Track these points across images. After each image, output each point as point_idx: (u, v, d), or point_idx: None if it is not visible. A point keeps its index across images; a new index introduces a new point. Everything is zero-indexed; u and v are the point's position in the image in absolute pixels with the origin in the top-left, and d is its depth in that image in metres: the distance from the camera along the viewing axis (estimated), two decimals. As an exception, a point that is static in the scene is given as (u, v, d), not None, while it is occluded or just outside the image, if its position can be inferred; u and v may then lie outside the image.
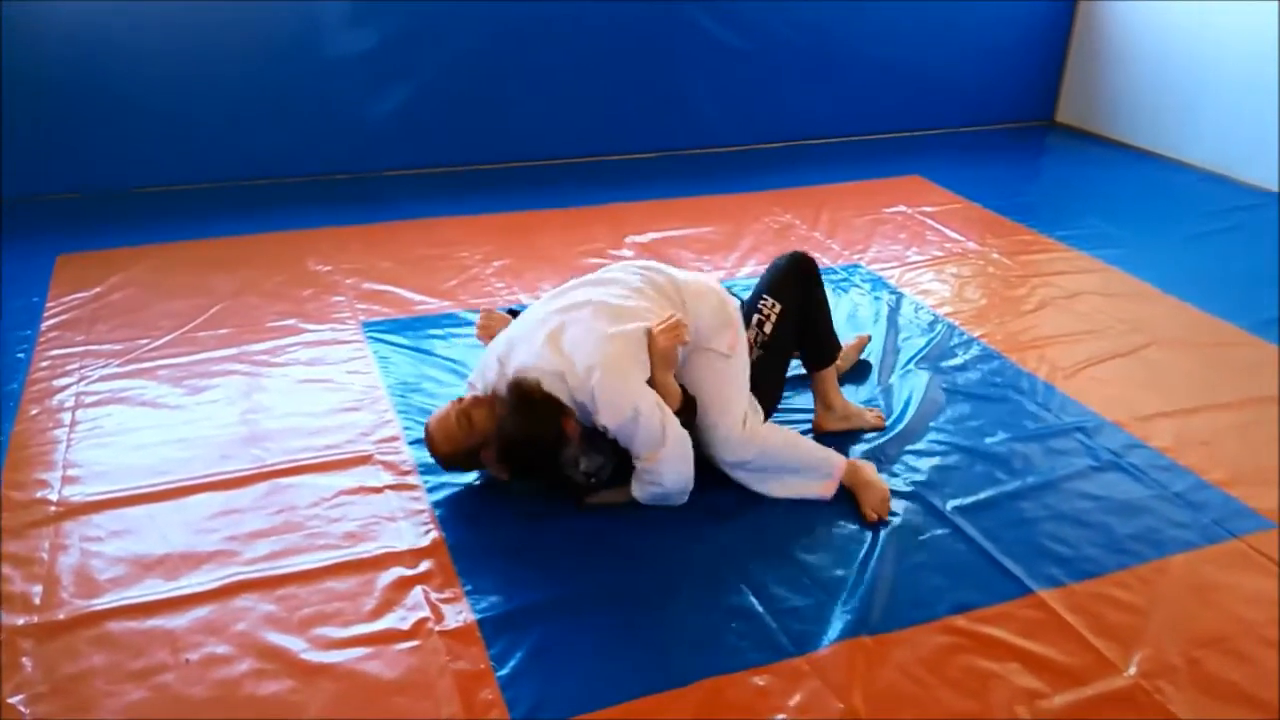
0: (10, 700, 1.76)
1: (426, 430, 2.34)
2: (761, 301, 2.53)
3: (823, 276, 2.64)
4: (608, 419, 2.18)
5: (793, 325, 2.54)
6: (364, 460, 2.47)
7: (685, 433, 2.24)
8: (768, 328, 2.51)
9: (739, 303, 2.55)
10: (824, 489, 2.39)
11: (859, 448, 2.58)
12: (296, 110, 4.33)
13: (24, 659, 1.85)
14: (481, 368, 2.42)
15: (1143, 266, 3.75)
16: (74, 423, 2.58)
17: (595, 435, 2.23)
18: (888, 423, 2.70)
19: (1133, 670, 1.91)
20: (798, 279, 2.57)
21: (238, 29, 4.13)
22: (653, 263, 2.56)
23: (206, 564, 2.11)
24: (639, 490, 2.28)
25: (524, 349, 2.30)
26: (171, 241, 3.72)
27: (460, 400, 2.32)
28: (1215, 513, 2.37)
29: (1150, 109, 5.19)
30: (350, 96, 4.37)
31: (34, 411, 2.63)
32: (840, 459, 2.42)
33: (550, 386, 2.20)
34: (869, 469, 2.42)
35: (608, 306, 2.31)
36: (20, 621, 1.94)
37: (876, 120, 5.38)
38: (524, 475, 2.31)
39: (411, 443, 2.53)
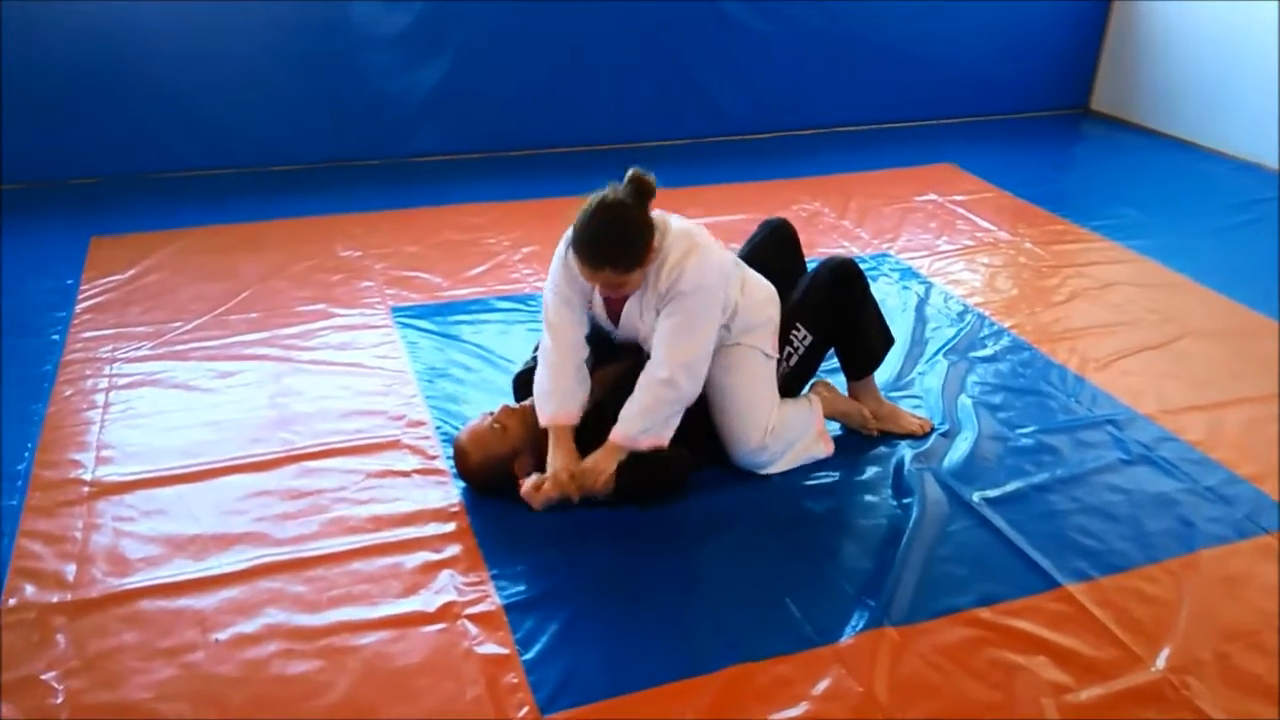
0: (43, 676, 1.80)
1: (457, 445, 2.30)
2: (794, 332, 2.42)
3: (869, 283, 2.52)
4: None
5: (822, 350, 2.49)
6: (392, 445, 2.48)
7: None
8: (794, 360, 2.43)
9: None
10: (823, 447, 2.43)
11: (888, 447, 2.56)
12: (327, 95, 4.35)
13: (58, 635, 1.89)
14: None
15: (1176, 257, 3.70)
16: (107, 404, 2.62)
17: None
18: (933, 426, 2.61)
19: (1160, 665, 1.89)
20: (834, 302, 2.44)
21: (271, 14, 4.15)
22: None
23: (236, 545, 2.13)
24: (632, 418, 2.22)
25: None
26: (203, 225, 3.75)
27: (492, 413, 2.32)
28: (1247, 507, 2.34)
29: (1186, 97, 5.10)
30: (380, 82, 4.38)
31: (68, 392, 2.67)
32: (816, 406, 2.46)
33: None
34: (841, 399, 2.51)
35: None
36: (54, 599, 1.97)
37: (908, 107, 5.33)
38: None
39: (440, 428, 2.55)
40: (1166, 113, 5.22)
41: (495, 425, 2.27)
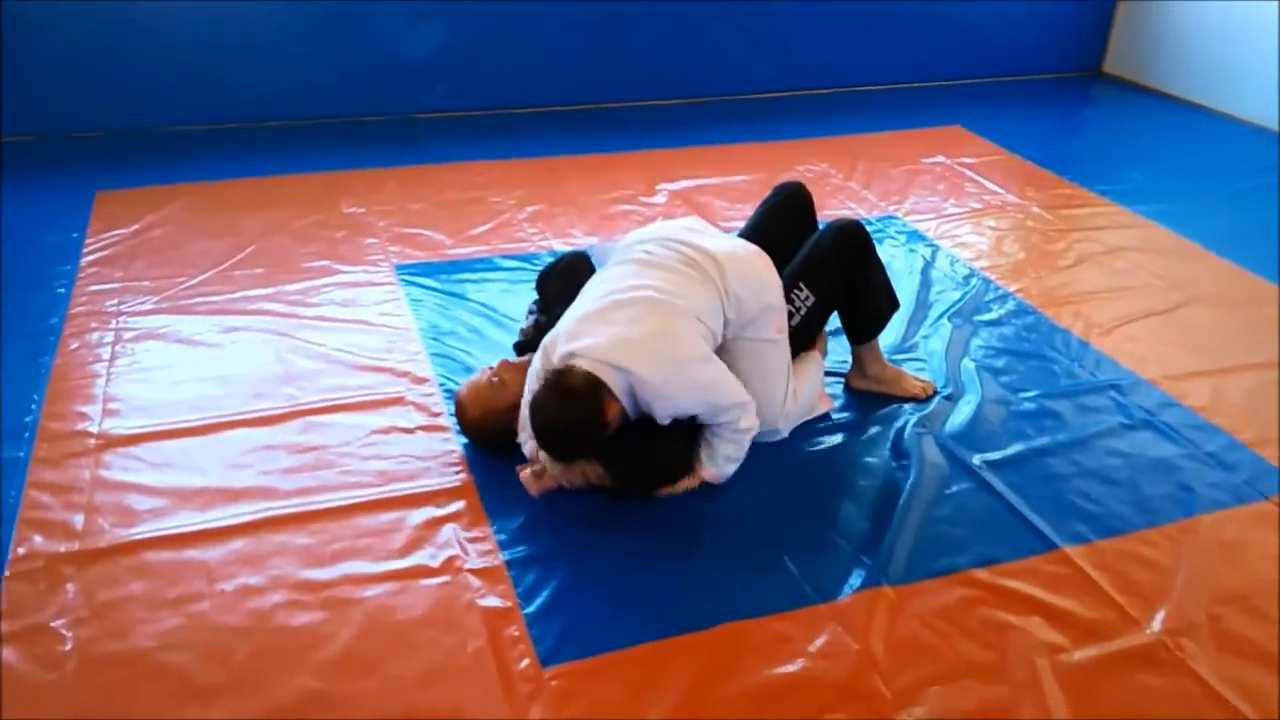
0: (53, 624, 1.83)
1: (457, 399, 2.31)
2: (796, 291, 2.37)
3: (875, 244, 2.47)
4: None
5: (825, 311, 2.47)
6: (396, 401, 2.50)
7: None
8: (796, 320, 2.38)
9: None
10: (823, 405, 2.48)
11: (890, 410, 2.56)
12: (332, 51, 4.31)
13: (66, 585, 1.91)
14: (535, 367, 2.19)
15: (1185, 222, 3.67)
16: (113, 357, 2.63)
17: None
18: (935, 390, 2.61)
19: (1155, 627, 1.91)
20: (838, 263, 2.40)
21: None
22: (692, 229, 2.36)
23: (242, 498, 2.15)
24: (721, 461, 2.20)
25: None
26: (207, 181, 3.74)
27: (491, 367, 2.32)
28: (1247, 473, 2.35)
29: (1199, 61, 5.04)
30: (386, 38, 4.35)
31: (74, 345, 2.68)
32: (819, 366, 2.49)
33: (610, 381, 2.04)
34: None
35: (654, 304, 2.13)
36: (62, 549, 2.00)
37: (917, 69, 5.27)
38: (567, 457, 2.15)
39: (443, 385, 2.56)
40: (1180, 76, 5.16)
41: (494, 380, 2.28)
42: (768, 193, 2.67)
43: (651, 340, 2.06)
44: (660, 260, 2.22)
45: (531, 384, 2.14)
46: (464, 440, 2.35)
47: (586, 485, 2.18)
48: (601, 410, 2.00)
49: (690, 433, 2.21)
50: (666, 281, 2.17)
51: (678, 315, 2.12)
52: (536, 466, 2.17)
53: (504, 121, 4.53)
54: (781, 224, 2.54)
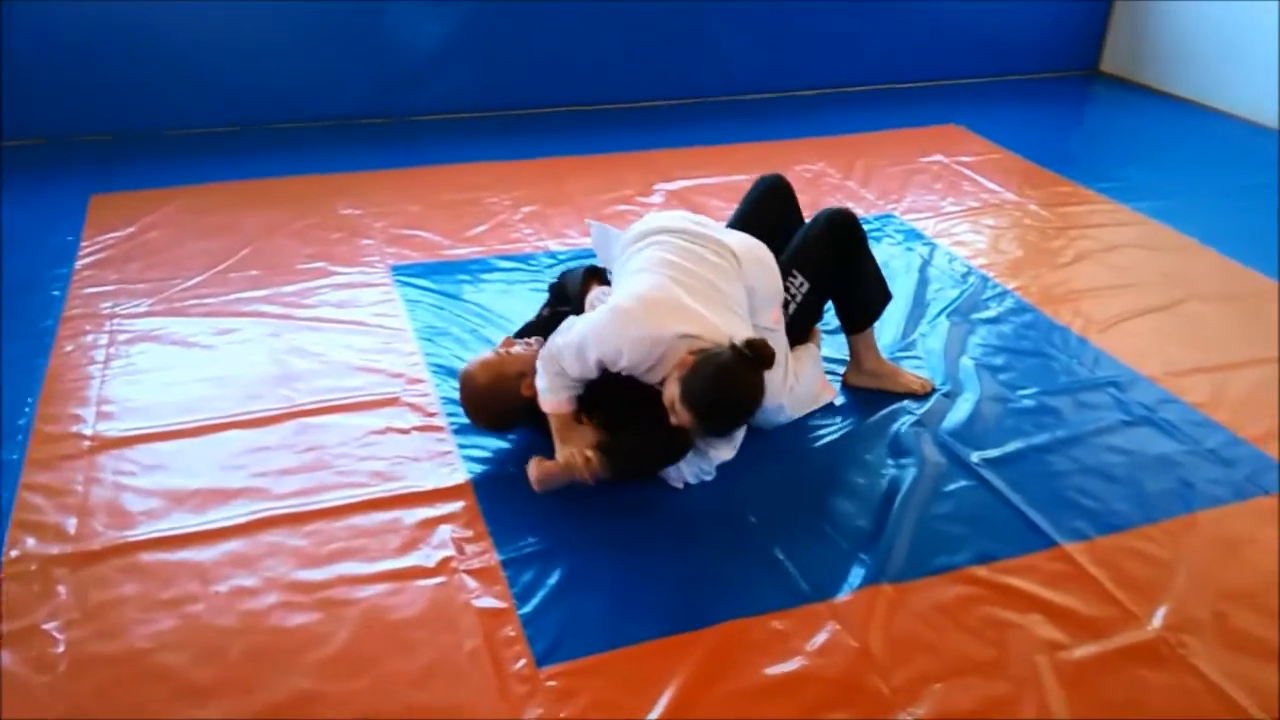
0: (44, 626, 1.81)
1: (463, 375, 2.29)
2: (791, 279, 2.40)
3: (866, 234, 2.48)
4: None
5: (820, 299, 2.47)
6: (392, 402, 2.48)
7: None
8: (792, 308, 2.40)
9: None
10: (828, 394, 2.49)
11: (889, 408, 2.55)
12: (327, 53, 4.31)
13: (59, 586, 1.90)
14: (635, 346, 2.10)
15: (1183, 219, 3.66)
16: (108, 359, 2.62)
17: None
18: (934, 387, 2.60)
19: (1156, 623, 1.90)
20: (832, 249, 2.42)
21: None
22: (698, 221, 2.35)
23: (236, 499, 2.14)
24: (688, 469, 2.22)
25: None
26: (202, 183, 3.73)
27: (494, 347, 2.33)
28: (1248, 469, 2.34)
29: (1197, 59, 5.04)
30: (381, 39, 4.34)
31: (69, 348, 2.67)
32: (818, 353, 2.50)
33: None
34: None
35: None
36: (55, 550, 1.98)
37: (915, 68, 5.26)
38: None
39: (439, 386, 2.55)
40: (1177, 74, 5.15)
41: (500, 350, 2.29)
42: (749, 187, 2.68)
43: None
44: (696, 252, 2.21)
45: (644, 360, 2.07)
46: (463, 442, 2.33)
47: (590, 470, 2.12)
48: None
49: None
50: (714, 274, 2.18)
51: (731, 309, 2.16)
52: (548, 463, 2.14)
53: (500, 123, 4.53)
54: (766, 216, 2.55)
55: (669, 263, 2.18)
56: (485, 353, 2.34)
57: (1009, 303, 3.07)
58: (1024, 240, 3.52)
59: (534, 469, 2.16)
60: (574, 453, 2.13)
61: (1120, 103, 5.18)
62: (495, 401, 2.26)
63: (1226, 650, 1.85)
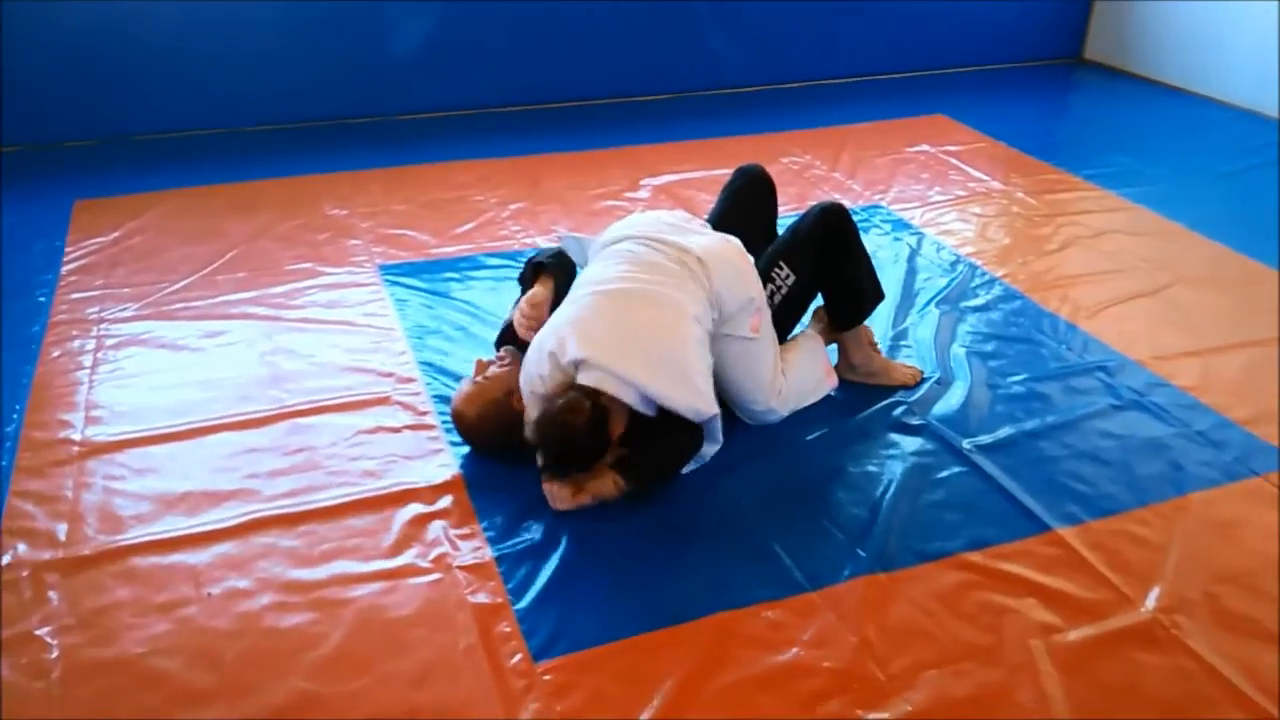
0: (37, 632, 1.80)
1: (453, 414, 2.27)
2: (776, 270, 2.39)
3: (859, 230, 2.47)
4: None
5: (806, 293, 2.45)
6: (382, 401, 2.48)
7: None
8: (777, 299, 2.38)
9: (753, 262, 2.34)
10: (829, 384, 2.49)
11: (880, 397, 2.55)
12: (311, 54, 4.29)
13: (50, 592, 1.89)
14: (535, 366, 2.12)
15: (1170, 205, 3.68)
16: (95, 364, 2.60)
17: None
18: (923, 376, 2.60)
19: (1150, 605, 1.91)
20: (819, 245, 2.40)
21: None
22: (671, 224, 2.32)
23: (227, 501, 2.13)
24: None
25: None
26: (188, 186, 3.71)
27: (472, 378, 2.30)
28: (1238, 451, 2.35)
29: (1180, 45, 5.05)
30: (365, 39, 4.32)
31: (55, 354, 2.65)
32: (818, 344, 2.49)
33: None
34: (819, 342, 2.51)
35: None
36: (46, 556, 1.97)
37: (899, 58, 5.27)
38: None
39: (429, 384, 2.54)
40: (1161, 60, 5.17)
41: (479, 378, 2.27)
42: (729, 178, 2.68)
43: (659, 347, 2.07)
44: (651, 260, 2.20)
45: (534, 383, 2.10)
46: (454, 440, 2.33)
47: (611, 492, 2.13)
48: (606, 436, 2.03)
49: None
50: (665, 283, 2.15)
51: (682, 321, 2.11)
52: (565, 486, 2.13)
53: (486, 121, 4.52)
54: (748, 207, 2.55)
55: (598, 275, 2.21)
56: (464, 385, 2.29)
57: (998, 290, 3.07)
58: (1011, 228, 3.53)
59: (560, 500, 2.12)
60: (599, 484, 2.12)
61: (1105, 90, 5.20)
62: (493, 427, 2.23)
63: (1220, 631, 1.85)
